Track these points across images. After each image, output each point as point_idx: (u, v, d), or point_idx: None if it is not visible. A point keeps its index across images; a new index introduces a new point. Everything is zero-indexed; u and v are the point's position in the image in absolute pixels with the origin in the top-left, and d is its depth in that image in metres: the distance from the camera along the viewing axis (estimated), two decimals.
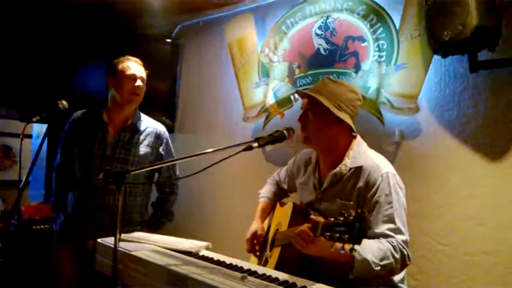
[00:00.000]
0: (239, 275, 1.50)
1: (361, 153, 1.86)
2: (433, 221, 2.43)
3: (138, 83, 2.53)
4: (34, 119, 2.42)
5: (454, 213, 2.36)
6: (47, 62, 3.38)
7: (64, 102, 2.50)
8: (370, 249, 1.59)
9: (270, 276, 1.53)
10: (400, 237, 1.67)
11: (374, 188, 1.74)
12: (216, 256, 1.85)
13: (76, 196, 2.59)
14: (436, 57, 2.38)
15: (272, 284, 1.43)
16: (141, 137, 2.60)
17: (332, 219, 1.40)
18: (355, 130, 1.90)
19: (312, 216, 1.57)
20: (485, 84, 2.31)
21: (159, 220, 2.74)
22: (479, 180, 2.29)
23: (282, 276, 1.54)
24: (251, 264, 1.78)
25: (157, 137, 2.66)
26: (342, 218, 1.35)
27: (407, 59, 2.52)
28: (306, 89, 2.16)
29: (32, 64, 3.51)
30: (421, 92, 2.46)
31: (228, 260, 1.78)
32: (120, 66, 2.54)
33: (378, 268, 1.58)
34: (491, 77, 2.28)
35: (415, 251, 2.46)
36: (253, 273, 1.57)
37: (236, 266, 1.69)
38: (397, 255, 1.63)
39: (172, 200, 2.78)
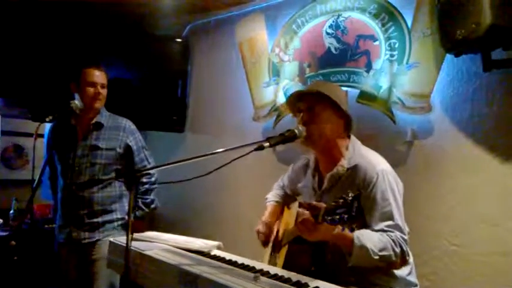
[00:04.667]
0: (251, 275, 1.50)
1: (356, 152, 1.87)
2: (447, 221, 2.40)
3: (99, 89, 2.67)
4: (47, 119, 2.46)
5: (468, 213, 2.33)
6: (60, 62, 3.41)
7: (77, 102, 2.55)
8: (370, 238, 1.61)
9: (282, 276, 1.53)
10: (399, 234, 1.68)
11: (370, 186, 1.75)
12: (227, 256, 1.86)
13: (61, 191, 2.74)
14: (449, 56, 2.35)
15: (284, 284, 1.43)
16: (107, 132, 2.74)
17: (333, 203, 1.42)
18: (352, 127, 1.93)
19: (314, 203, 1.57)
20: (499, 84, 2.28)
21: (138, 211, 2.80)
22: (493, 180, 2.26)
23: (294, 276, 1.54)
24: (263, 264, 1.77)
25: (123, 130, 2.78)
26: (341, 201, 1.37)
27: (419, 58, 2.50)
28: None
29: (45, 64, 3.54)
30: (433, 91, 2.44)
31: (239, 259, 1.78)
32: (82, 74, 2.67)
33: (377, 257, 1.59)
34: (505, 76, 2.25)
35: (428, 252, 2.44)
36: (266, 274, 1.57)
37: (248, 266, 1.69)
38: (397, 249, 1.64)
39: (149, 191, 2.82)
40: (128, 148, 2.76)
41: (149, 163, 2.83)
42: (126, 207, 2.75)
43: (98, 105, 2.69)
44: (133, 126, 2.85)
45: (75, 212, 2.66)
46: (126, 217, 2.75)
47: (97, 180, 2.65)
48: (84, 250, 2.65)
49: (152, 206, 2.84)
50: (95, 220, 2.66)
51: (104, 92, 2.71)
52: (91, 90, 2.64)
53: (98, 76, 2.68)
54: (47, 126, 4.25)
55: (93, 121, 2.70)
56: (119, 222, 2.74)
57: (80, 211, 2.65)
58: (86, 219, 2.65)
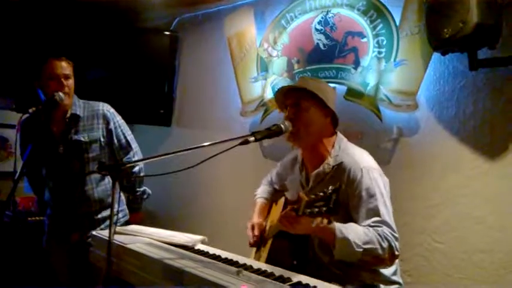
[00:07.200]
0: (234, 269, 1.49)
1: (342, 150, 1.86)
2: (430, 218, 2.42)
3: (62, 82, 2.47)
4: (30, 110, 2.39)
5: (451, 211, 2.35)
6: (45, 54, 3.37)
7: (61, 93, 2.48)
8: (354, 231, 1.59)
9: (265, 271, 1.53)
10: (387, 229, 1.64)
11: (355, 183, 1.73)
12: (211, 250, 1.85)
13: (50, 192, 2.63)
14: (436, 55, 2.36)
15: (267, 279, 1.43)
16: (86, 123, 2.58)
17: (313, 196, 1.41)
18: (338, 125, 1.94)
19: (297, 195, 1.57)
20: (485, 83, 2.30)
21: (132, 203, 2.76)
22: (477, 179, 2.28)
23: (277, 271, 1.54)
24: (247, 258, 1.77)
25: (102, 116, 2.62)
26: (321, 194, 1.37)
27: (406, 55, 2.51)
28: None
29: (30, 55, 3.49)
30: (420, 89, 2.45)
31: (223, 254, 1.78)
32: (42, 69, 2.48)
33: (360, 250, 1.56)
34: (490, 75, 2.28)
35: (412, 249, 2.46)
36: (249, 268, 1.57)
37: (231, 260, 1.69)
38: (384, 244, 1.60)
39: (136, 182, 2.72)
40: (110, 133, 2.61)
41: (132, 149, 2.69)
42: (123, 198, 2.72)
43: (67, 101, 2.49)
44: (111, 110, 2.68)
45: (73, 213, 2.56)
46: (125, 208, 2.73)
47: (79, 175, 2.52)
48: (87, 250, 2.55)
49: (144, 196, 2.76)
50: (95, 217, 2.56)
51: (68, 83, 2.49)
52: (53, 84, 2.45)
53: (59, 67, 2.47)
54: None
55: (68, 114, 2.54)
56: (120, 215, 2.62)
57: (78, 211, 2.55)
58: (86, 218, 2.55)
